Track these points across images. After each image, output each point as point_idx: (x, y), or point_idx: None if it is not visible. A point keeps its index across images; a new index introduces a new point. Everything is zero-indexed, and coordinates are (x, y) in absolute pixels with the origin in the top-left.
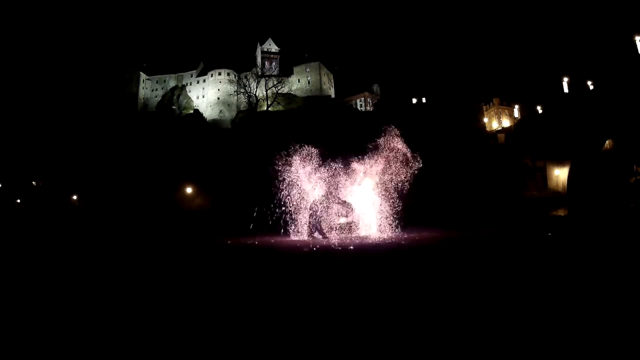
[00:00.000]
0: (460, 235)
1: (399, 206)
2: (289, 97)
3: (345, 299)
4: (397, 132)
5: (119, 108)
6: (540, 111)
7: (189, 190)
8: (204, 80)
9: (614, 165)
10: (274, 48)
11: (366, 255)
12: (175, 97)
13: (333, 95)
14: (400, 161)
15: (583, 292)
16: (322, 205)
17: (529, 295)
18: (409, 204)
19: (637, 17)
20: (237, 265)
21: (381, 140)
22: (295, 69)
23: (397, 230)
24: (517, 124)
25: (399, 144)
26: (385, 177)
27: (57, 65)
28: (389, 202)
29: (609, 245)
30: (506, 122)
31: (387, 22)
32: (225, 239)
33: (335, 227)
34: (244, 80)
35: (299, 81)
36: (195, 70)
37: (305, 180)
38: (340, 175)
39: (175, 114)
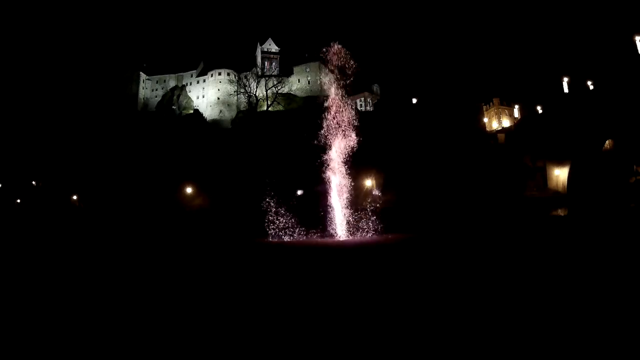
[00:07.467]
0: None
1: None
2: (289, 97)
3: None
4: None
5: (119, 108)
6: (540, 111)
7: (189, 190)
8: (204, 80)
9: (614, 165)
10: (274, 48)
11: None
12: (175, 97)
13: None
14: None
15: (583, 293)
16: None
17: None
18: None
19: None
20: None
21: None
22: (295, 69)
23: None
24: (517, 124)
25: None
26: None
27: (58, 65)
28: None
29: (609, 245)
30: (506, 122)
31: (387, 22)
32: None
33: None
34: (244, 80)
35: (299, 81)
36: (195, 70)
37: None
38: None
39: (175, 114)
